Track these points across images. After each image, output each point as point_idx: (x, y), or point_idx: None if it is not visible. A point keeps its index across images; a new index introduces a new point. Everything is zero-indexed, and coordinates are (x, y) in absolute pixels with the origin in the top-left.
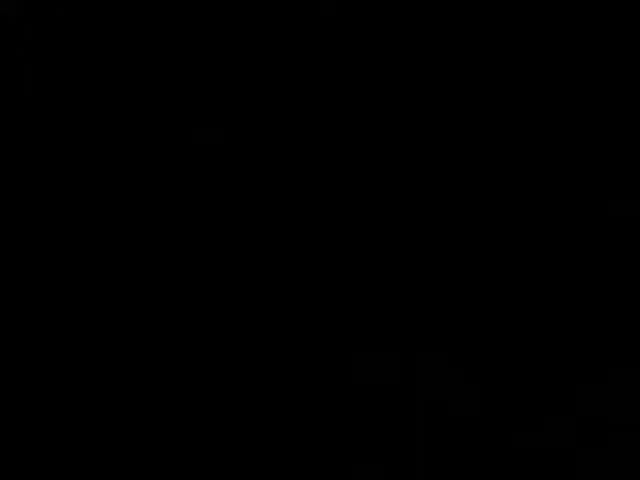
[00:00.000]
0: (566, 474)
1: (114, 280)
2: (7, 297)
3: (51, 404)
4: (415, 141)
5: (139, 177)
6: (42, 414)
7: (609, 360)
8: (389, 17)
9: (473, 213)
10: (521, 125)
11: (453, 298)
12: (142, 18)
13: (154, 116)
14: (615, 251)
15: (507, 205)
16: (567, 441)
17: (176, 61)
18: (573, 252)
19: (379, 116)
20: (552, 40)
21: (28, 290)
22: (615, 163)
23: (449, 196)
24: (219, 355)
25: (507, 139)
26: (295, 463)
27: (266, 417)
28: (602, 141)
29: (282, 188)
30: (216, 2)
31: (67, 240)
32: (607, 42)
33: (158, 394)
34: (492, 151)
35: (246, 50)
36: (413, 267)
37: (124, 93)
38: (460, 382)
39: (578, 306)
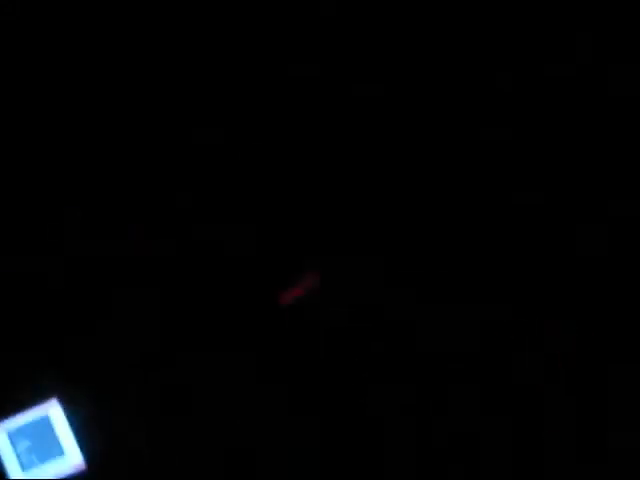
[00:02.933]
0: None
1: (114, 278)
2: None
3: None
4: (415, 140)
5: (139, 176)
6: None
7: (609, 358)
8: (388, 17)
9: (481, 223)
10: (523, 126)
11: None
12: (142, 18)
13: (154, 116)
14: (616, 250)
15: (514, 208)
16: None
17: (176, 61)
18: (573, 253)
19: (378, 116)
20: (551, 40)
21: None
22: (615, 163)
23: (462, 203)
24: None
25: (509, 140)
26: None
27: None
28: (602, 142)
29: (281, 187)
30: (216, 2)
31: (66, 239)
32: (605, 42)
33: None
34: (493, 151)
35: (246, 50)
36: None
37: (124, 93)
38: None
39: (577, 307)
